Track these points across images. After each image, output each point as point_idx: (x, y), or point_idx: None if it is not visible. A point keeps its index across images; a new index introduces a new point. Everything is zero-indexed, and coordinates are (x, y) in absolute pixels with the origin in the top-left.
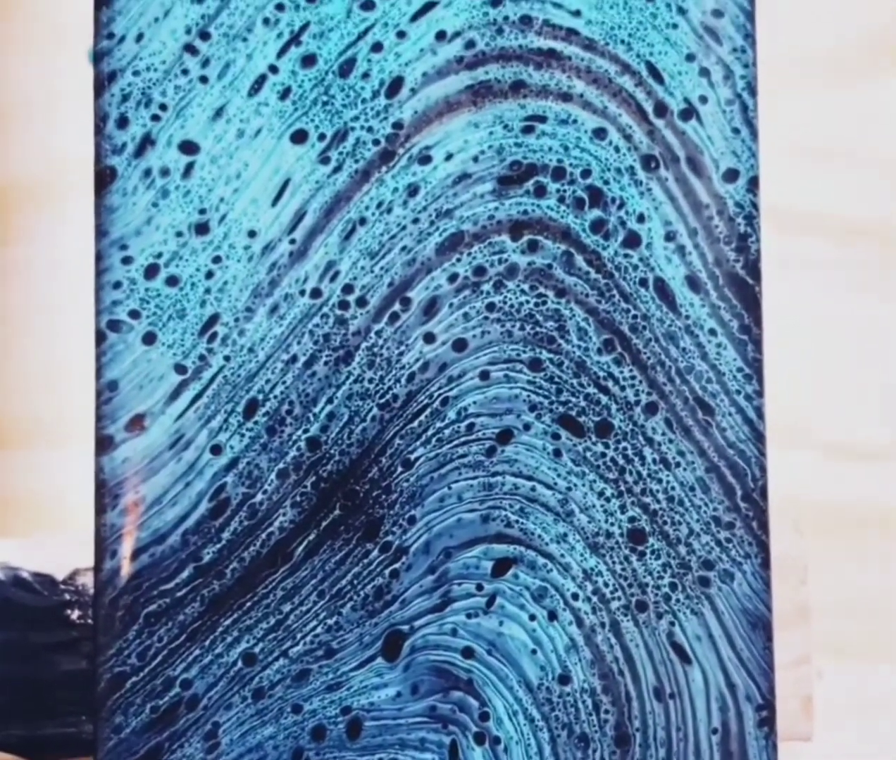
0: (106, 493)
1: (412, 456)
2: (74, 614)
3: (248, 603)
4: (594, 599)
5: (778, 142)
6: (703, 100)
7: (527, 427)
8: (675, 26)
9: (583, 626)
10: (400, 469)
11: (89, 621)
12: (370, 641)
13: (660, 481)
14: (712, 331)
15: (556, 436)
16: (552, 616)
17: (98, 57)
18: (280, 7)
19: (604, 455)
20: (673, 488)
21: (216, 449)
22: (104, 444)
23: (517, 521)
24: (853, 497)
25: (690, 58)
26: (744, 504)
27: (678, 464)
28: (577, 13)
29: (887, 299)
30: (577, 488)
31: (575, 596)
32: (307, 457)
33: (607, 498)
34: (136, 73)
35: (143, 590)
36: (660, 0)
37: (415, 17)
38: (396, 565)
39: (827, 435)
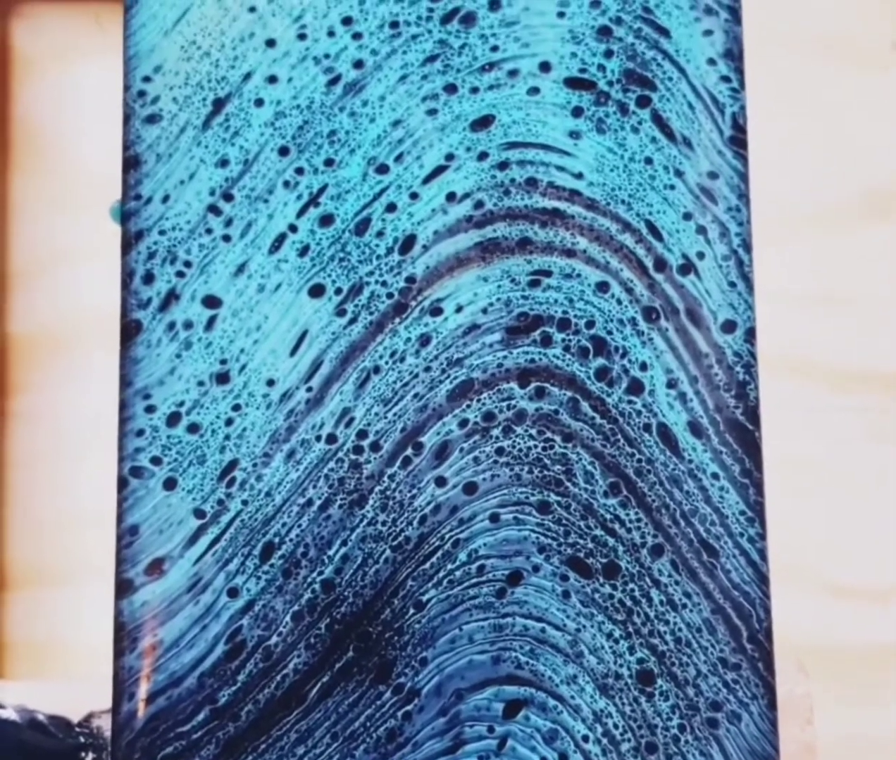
0: (125, 636)
1: (424, 598)
2: (89, 757)
3: (263, 746)
4: (604, 741)
5: (779, 289)
6: (701, 255)
7: (536, 568)
8: (672, 187)
9: None
10: (412, 610)
11: None
12: None
13: (667, 622)
14: (715, 475)
15: (564, 578)
16: (563, 758)
17: (126, 217)
18: (300, 171)
19: (612, 596)
20: (680, 629)
21: (233, 592)
22: (124, 588)
23: (528, 663)
24: (857, 636)
25: (688, 216)
26: (750, 645)
27: (685, 606)
28: (579, 175)
29: (887, 441)
30: (587, 629)
31: (585, 738)
32: (321, 599)
33: (616, 639)
34: (162, 233)
35: (160, 733)
36: (658, 163)
37: (427, 180)
38: (409, 707)
39: (830, 575)
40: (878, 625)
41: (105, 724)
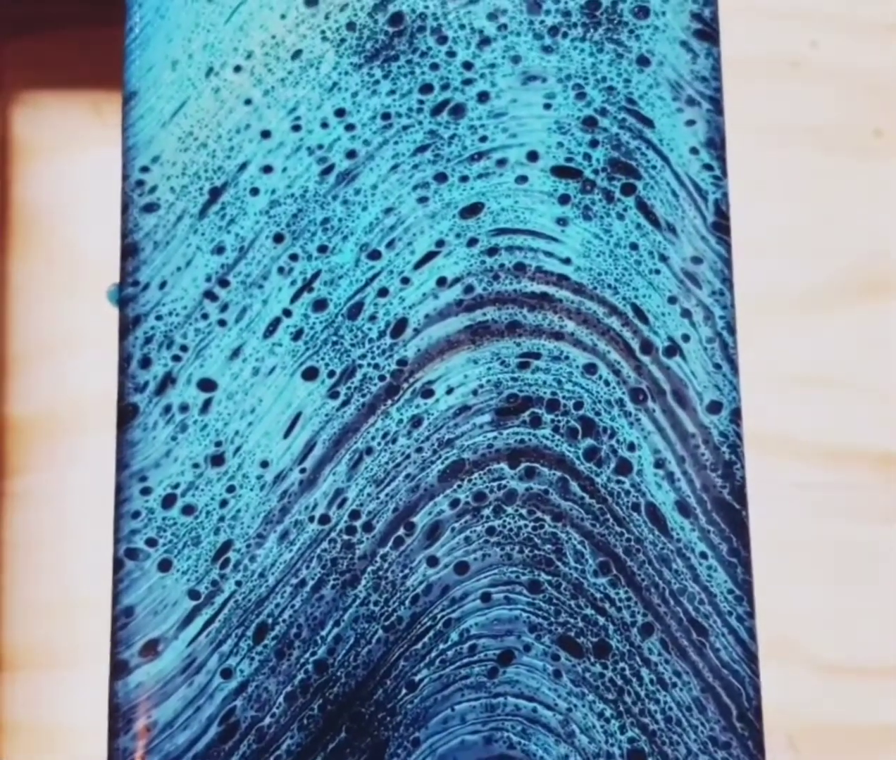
0: (119, 718)
1: (416, 678)
2: None
3: None
4: None
5: (765, 369)
6: (686, 338)
7: (527, 648)
8: (657, 272)
9: None
10: (404, 691)
11: None
12: None
13: (657, 701)
14: (703, 554)
15: (555, 657)
16: None
17: (124, 302)
18: (294, 257)
19: (602, 675)
20: (671, 708)
21: (226, 673)
22: (119, 669)
23: (519, 743)
24: (846, 715)
25: (672, 300)
26: (739, 724)
27: (675, 685)
28: (567, 261)
29: (874, 519)
30: (578, 709)
31: None
32: (314, 680)
33: (607, 718)
34: (158, 318)
35: None
36: (643, 249)
37: (418, 265)
38: None
39: (818, 652)
40: (867, 704)
41: None
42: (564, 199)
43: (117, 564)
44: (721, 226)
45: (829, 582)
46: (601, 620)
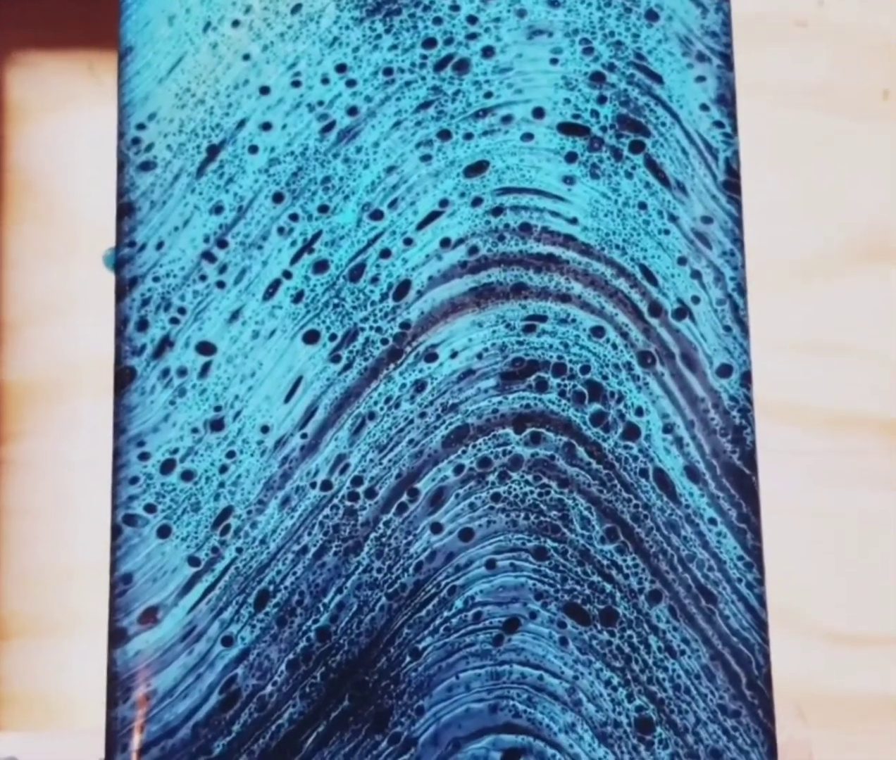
0: (118, 686)
1: (420, 646)
2: None
3: None
4: None
5: (773, 334)
6: (696, 300)
7: (533, 615)
8: (666, 232)
9: None
10: (408, 658)
11: None
12: None
13: (666, 669)
14: (712, 520)
15: (562, 625)
16: None
17: (120, 264)
18: (294, 217)
19: (610, 643)
20: (679, 676)
21: (227, 641)
22: (117, 637)
23: (525, 711)
24: (855, 684)
25: (682, 261)
26: (749, 691)
27: (683, 652)
28: (573, 221)
29: (882, 486)
30: (584, 677)
31: None
32: (317, 648)
33: (614, 686)
34: (156, 279)
35: None
36: (652, 208)
37: (421, 226)
38: (405, 756)
39: (826, 621)
40: (874, 672)
41: None
42: (571, 157)
43: (115, 530)
44: (731, 185)
45: (833, 549)
46: (608, 587)
